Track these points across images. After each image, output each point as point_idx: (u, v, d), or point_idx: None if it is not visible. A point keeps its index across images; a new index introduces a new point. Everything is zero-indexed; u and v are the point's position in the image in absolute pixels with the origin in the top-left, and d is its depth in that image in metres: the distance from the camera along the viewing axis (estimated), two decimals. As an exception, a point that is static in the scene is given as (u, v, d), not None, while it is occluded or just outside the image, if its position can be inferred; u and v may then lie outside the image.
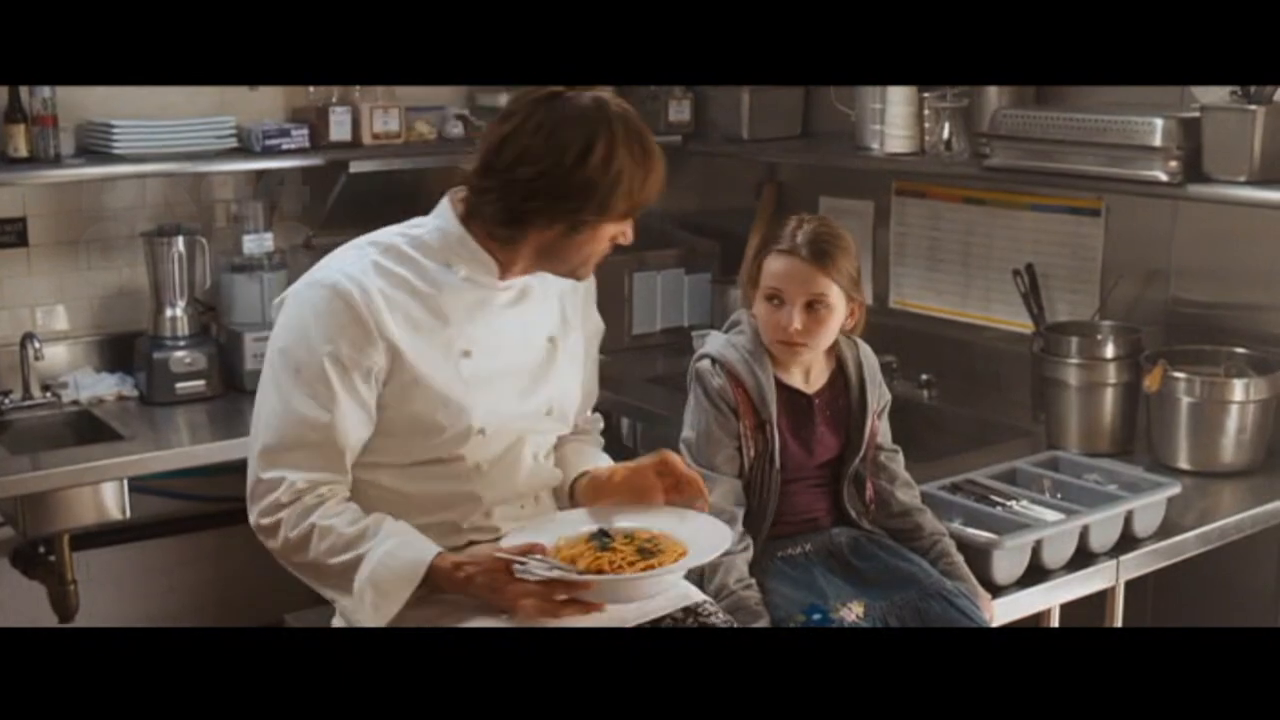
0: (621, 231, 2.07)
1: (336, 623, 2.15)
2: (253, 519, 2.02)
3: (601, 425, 2.39)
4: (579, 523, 2.08)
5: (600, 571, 1.92)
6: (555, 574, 1.90)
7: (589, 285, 2.27)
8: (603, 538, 2.01)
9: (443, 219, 2.10)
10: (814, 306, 2.24)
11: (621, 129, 1.97)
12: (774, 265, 2.26)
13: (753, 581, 2.19)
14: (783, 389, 2.29)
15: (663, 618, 2.03)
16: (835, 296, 2.24)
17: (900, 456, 2.43)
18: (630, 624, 2.00)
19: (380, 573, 1.93)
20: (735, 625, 2.08)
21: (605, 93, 2.02)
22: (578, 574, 1.91)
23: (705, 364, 2.31)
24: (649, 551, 1.96)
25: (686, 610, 2.05)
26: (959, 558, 2.32)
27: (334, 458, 2.00)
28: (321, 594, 2.03)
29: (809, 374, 2.33)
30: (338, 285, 2.00)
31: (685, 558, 1.96)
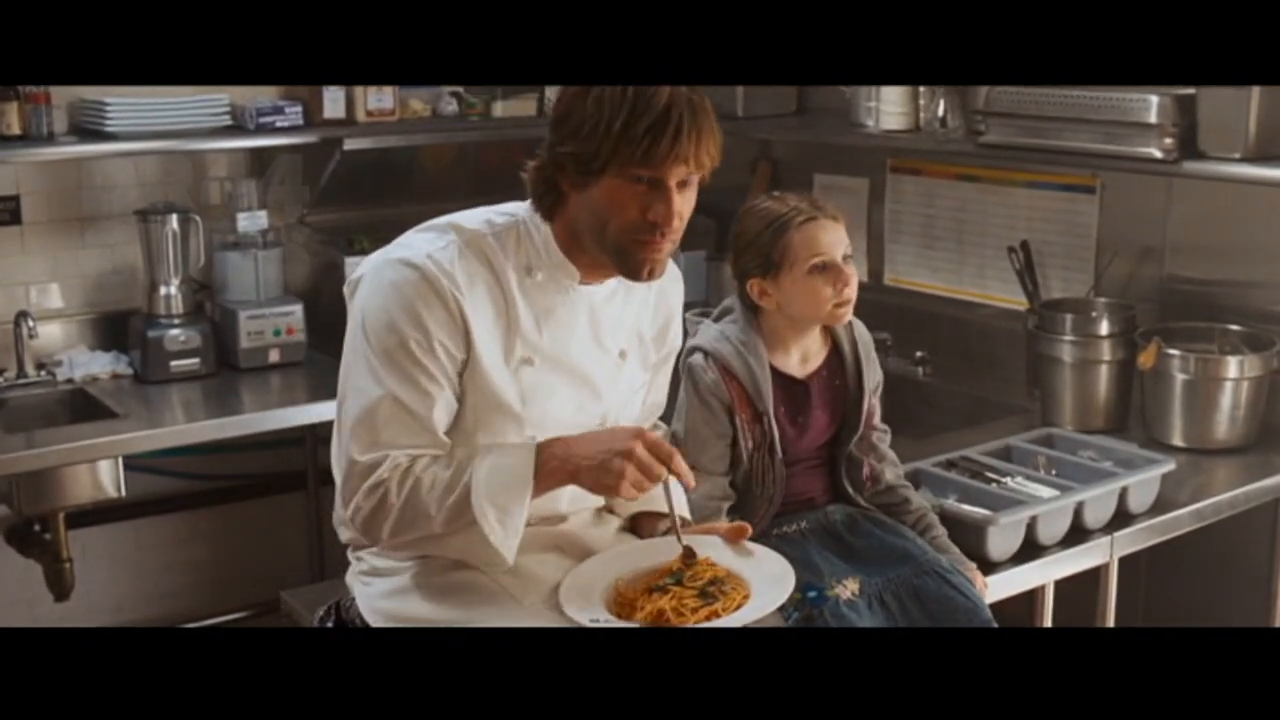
0: (644, 201, 1.91)
1: (349, 579, 2.15)
2: (352, 506, 1.94)
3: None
4: (636, 559, 2.00)
5: (662, 616, 1.85)
6: (641, 629, 1.84)
7: (671, 303, 2.21)
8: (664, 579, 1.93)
9: (531, 214, 2.04)
10: (848, 260, 2.25)
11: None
12: (807, 235, 2.21)
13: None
14: (777, 376, 2.28)
15: None
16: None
17: (889, 436, 2.43)
18: None
19: (493, 484, 1.88)
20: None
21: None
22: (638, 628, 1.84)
23: (697, 359, 2.28)
24: (711, 595, 1.88)
25: None
26: (943, 531, 2.33)
27: (432, 433, 1.96)
28: (448, 553, 1.96)
29: (805, 357, 2.32)
30: (425, 269, 1.95)
31: (748, 604, 1.88)
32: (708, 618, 1.84)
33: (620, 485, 1.87)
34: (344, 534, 2.16)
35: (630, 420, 2.17)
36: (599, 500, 2.18)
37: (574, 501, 2.14)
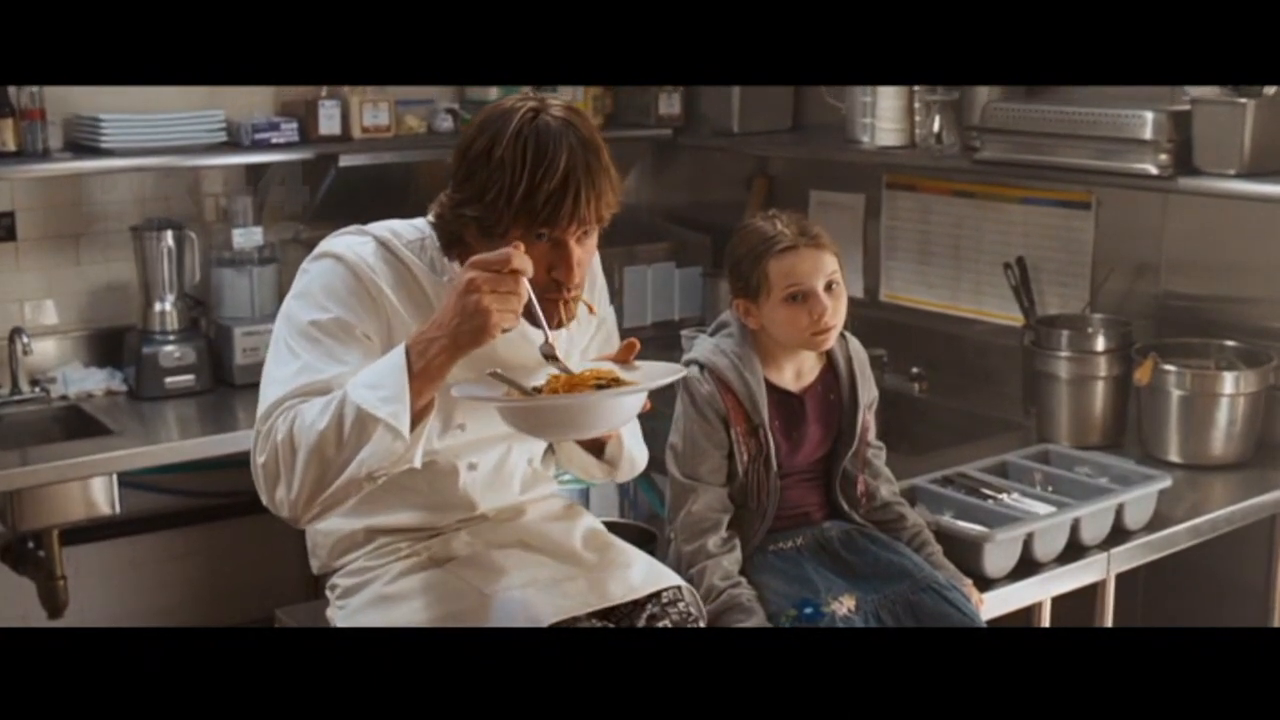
0: (547, 259, 1.91)
1: (329, 614, 2.15)
2: (256, 468, 1.87)
3: None
4: (524, 377, 1.96)
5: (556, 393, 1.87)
6: (516, 403, 1.86)
7: (593, 283, 2.19)
8: (554, 382, 1.93)
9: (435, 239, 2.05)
10: (832, 286, 2.23)
11: (533, 137, 1.88)
12: (784, 264, 2.22)
13: (741, 580, 2.18)
14: (773, 390, 2.28)
15: (642, 600, 2.04)
16: (840, 272, 2.25)
17: (884, 453, 2.42)
18: (614, 599, 2.01)
19: (369, 379, 1.80)
20: (695, 614, 2.07)
21: (559, 105, 1.93)
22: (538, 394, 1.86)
23: (693, 371, 2.29)
24: (605, 386, 1.90)
25: (664, 590, 2.06)
26: (938, 548, 2.32)
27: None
28: (351, 467, 1.82)
29: (800, 372, 2.32)
30: (343, 256, 1.98)
31: (638, 386, 1.90)
32: None
33: (489, 318, 1.77)
34: (314, 564, 2.17)
35: None
36: (553, 484, 2.22)
37: (528, 487, 2.17)
